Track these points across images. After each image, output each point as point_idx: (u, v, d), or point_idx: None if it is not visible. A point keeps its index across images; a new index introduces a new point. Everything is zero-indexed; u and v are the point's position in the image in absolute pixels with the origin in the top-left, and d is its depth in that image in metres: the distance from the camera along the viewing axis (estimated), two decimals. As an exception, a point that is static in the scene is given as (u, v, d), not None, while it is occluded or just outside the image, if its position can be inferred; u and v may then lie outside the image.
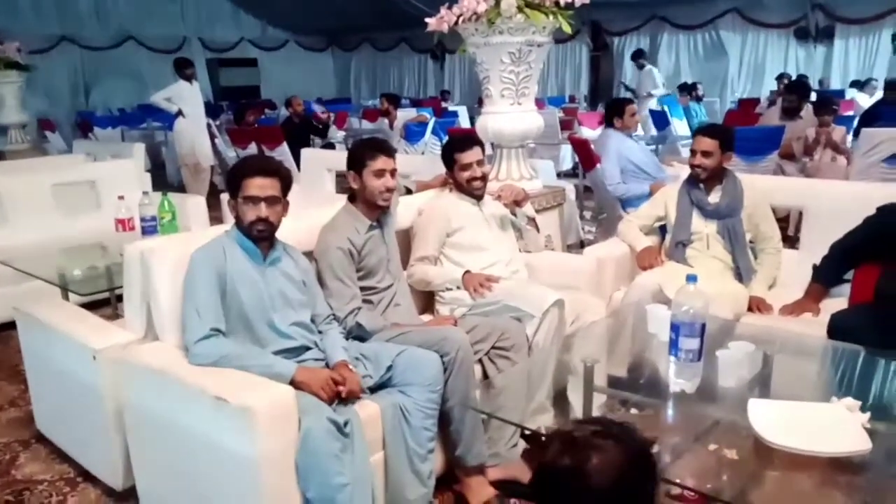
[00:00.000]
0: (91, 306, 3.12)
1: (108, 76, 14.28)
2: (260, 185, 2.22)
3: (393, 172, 2.62)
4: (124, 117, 12.44)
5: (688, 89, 10.99)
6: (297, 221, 2.58)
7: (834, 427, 1.73)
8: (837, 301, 2.94)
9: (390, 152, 2.64)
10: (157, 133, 10.18)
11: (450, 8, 3.52)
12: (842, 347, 2.44)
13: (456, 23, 3.50)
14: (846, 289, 2.98)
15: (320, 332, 2.36)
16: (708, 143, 3.02)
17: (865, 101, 8.79)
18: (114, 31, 13.99)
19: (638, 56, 10.70)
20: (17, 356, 2.97)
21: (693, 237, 3.09)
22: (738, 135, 5.22)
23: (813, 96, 8.51)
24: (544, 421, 2.27)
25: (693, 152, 3.06)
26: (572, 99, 13.59)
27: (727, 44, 13.03)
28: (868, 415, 1.77)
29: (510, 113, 3.67)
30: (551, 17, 3.43)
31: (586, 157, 4.97)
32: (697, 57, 13.58)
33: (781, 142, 5.31)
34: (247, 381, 1.97)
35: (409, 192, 3.07)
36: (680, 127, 8.71)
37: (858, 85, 10.33)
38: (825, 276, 2.96)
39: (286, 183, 2.29)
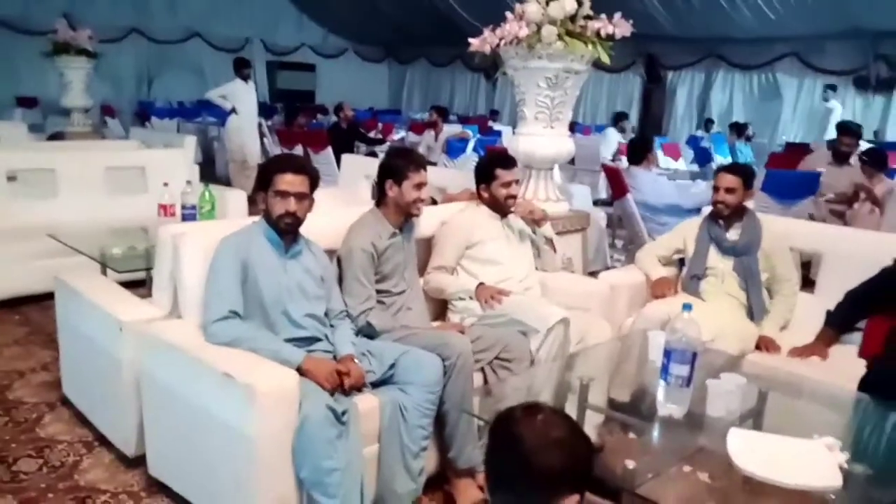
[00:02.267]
0: (129, 286, 3.29)
1: (172, 69, 14.82)
2: (290, 182, 2.36)
3: (425, 185, 2.77)
4: (182, 110, 12.91)
5: (738, 129, 10.93)
6: (324, 220, 2.73)
7: (808, 462, 1.77)
8: (848, 348, 2.96)
9: (426, 166, 2.80)
10: (211, 128, 10.54)
11: (494, 30, 3.64)
12: (841, 393, 2.47)
13: (498, 45, 3.62)
14: (858, 337, 2.99)
15: (332, 325, 2.48)
16: (731, 181, 3.08)
17: (918, 155, 8.61)
18: (182, 26, 14.54)
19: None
20: (53, 324, 3.15)
21: (708, 272, 3.14)
22: (774, 177, 5.28)
23: (864, 146, 8.41)
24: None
25: (716, 189, 3.12)
26: (621, 129, 13.58)
27: (783, 87, 12.87)
28: (846, 454, 1.80)
29: (542, 136, 3.76)
30: (591, 46, 3.52)
31: (617, 185, 5.05)
32: (752, 97, 13.44)
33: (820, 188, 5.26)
34: (254, 362, 2.10)
35: (434, 202, 3.19)
36: (723, 165, 8.67)
37: (913, 138, 10.14)
38: (837, 322, 2.97)
39: (314, 181, 2.42)
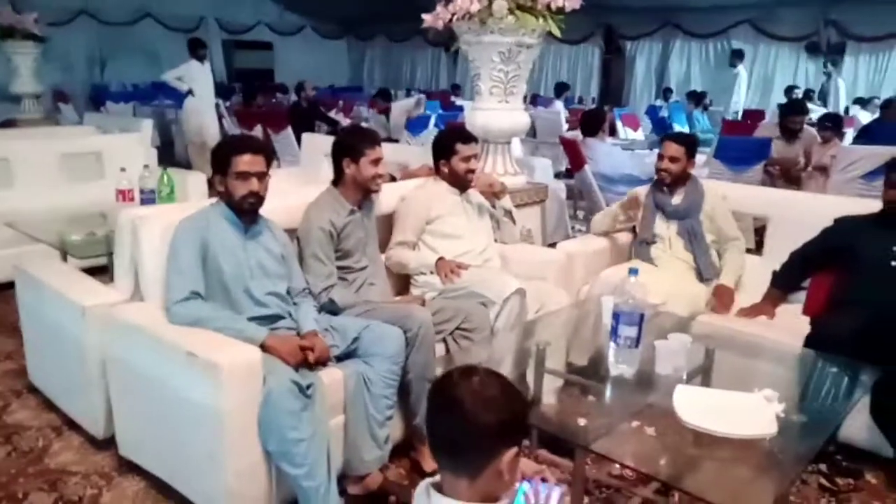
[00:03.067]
0: (91, 273, 3.27)
1: (125, 52, 14.42)
2: (250, 162, 2.38)
3: (381, 161, 2.80)
4: (137, 93, 12.65)
5: (695, 98, 11.13)
6: (283, 199, 2.76)
7: (748, 413, 1.88)
8: (793, 306, 3.10)
9: (380, 142, 2.83)
10: (169, 111, 10.35)
11: (446, 5, 3.66)
12: (785, 349, 2.60)
13: (450, 20, 3.65)
14: (803, 296, 3.14)
15: (295, 303, 2.53)
16: (675, 149, 3.19)
17: (867, 118, 8.88)
18: (132, 6, 14.13)
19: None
20: (14, 314, 3.14)
21: (656, 237, 3.26)
22: (725, 144, 5.42)
23: (821, 111, 8.64)
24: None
25: (661, 157, 3.23)
26: (581, 100, 13.71)
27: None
28: (783, 405, 1.92)
29: (498, 110, 3.82)
30: (541, 19, 3.57)
31: (575, 157, 5.14)
32: (708, 65, 13.67)
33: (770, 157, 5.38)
34: (217, 340, 2.14)
35: (393, 179, 3.24)
36: (681, 133, 8.84)
37: (862, 102, 10.44)
38: (783, 283, 3.11)
39: (270, 159, 2.46)
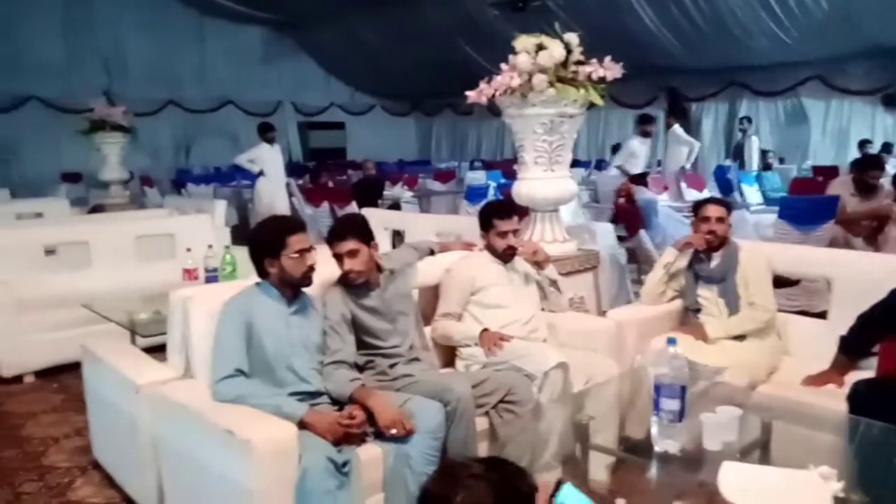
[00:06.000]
0: (158, 350, 3.40)
1: (208, 136, 15.42)
2: (303, 240, 2.50)
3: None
4: (218, 175, 13.35)
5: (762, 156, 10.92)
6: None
7: (800, 493, 1.75)
8: (864, 374, 2.90)
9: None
10: (246, 191, 10.86)
11: (489, 82, 3.76)
12: (852, 421, 2.43)
13: (493, 96, 3.73)
14: (874, 361, 2.94)
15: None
16: (720, 210, 3.15)
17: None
18: (214, 96, 15.18)
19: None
20: (88, 391, 3.28)
21: (700, 302, 3.16)
22: (790, 204, 5.23)
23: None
24: (551, 478, 2.34)
25: (706, 219, 3.14)
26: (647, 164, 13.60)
27: (809, 110, 12.77)
28: (841, 484, 1.78)
29: (542, 179, 3.84)
30: (583, 90, 3.61)
31: (630, 223, 5.07)
32: (778, 123, 13.37)
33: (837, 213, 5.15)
34: (255, 418, 2.18)
35: (432, 253, 3.27)
36: (750, 194, 8.60)
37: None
38: (851, 348, 2.92)
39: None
